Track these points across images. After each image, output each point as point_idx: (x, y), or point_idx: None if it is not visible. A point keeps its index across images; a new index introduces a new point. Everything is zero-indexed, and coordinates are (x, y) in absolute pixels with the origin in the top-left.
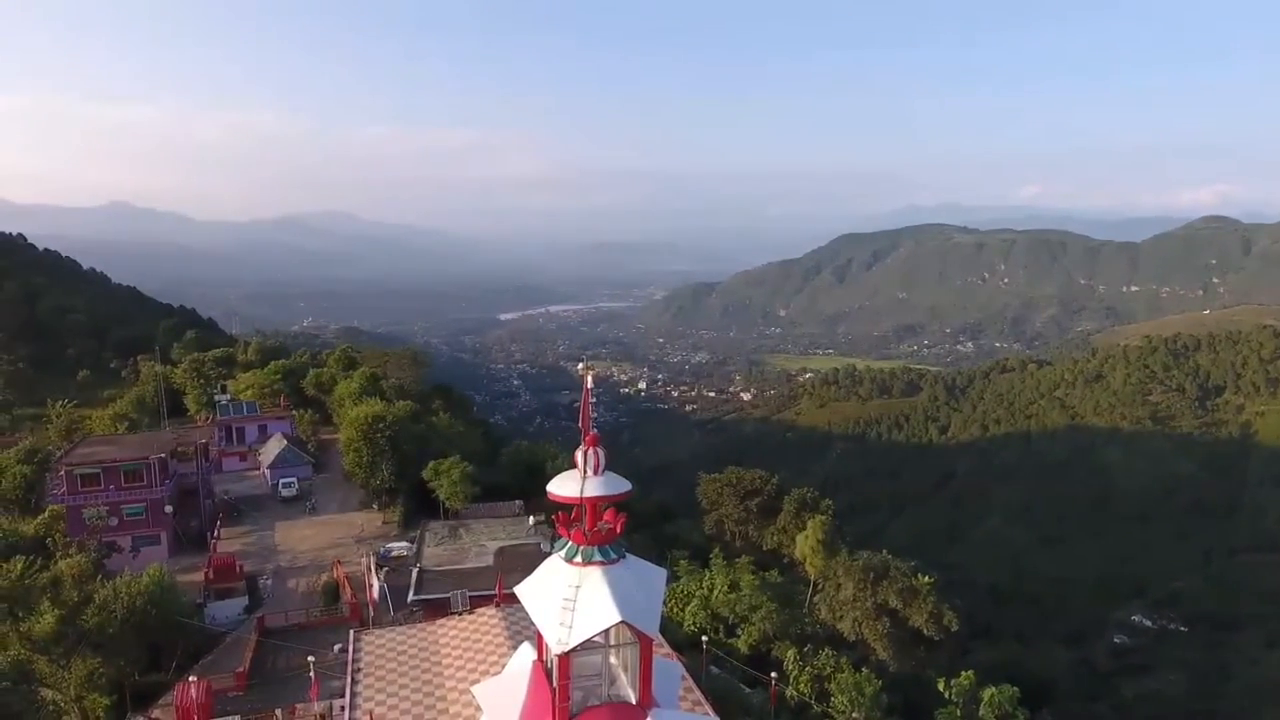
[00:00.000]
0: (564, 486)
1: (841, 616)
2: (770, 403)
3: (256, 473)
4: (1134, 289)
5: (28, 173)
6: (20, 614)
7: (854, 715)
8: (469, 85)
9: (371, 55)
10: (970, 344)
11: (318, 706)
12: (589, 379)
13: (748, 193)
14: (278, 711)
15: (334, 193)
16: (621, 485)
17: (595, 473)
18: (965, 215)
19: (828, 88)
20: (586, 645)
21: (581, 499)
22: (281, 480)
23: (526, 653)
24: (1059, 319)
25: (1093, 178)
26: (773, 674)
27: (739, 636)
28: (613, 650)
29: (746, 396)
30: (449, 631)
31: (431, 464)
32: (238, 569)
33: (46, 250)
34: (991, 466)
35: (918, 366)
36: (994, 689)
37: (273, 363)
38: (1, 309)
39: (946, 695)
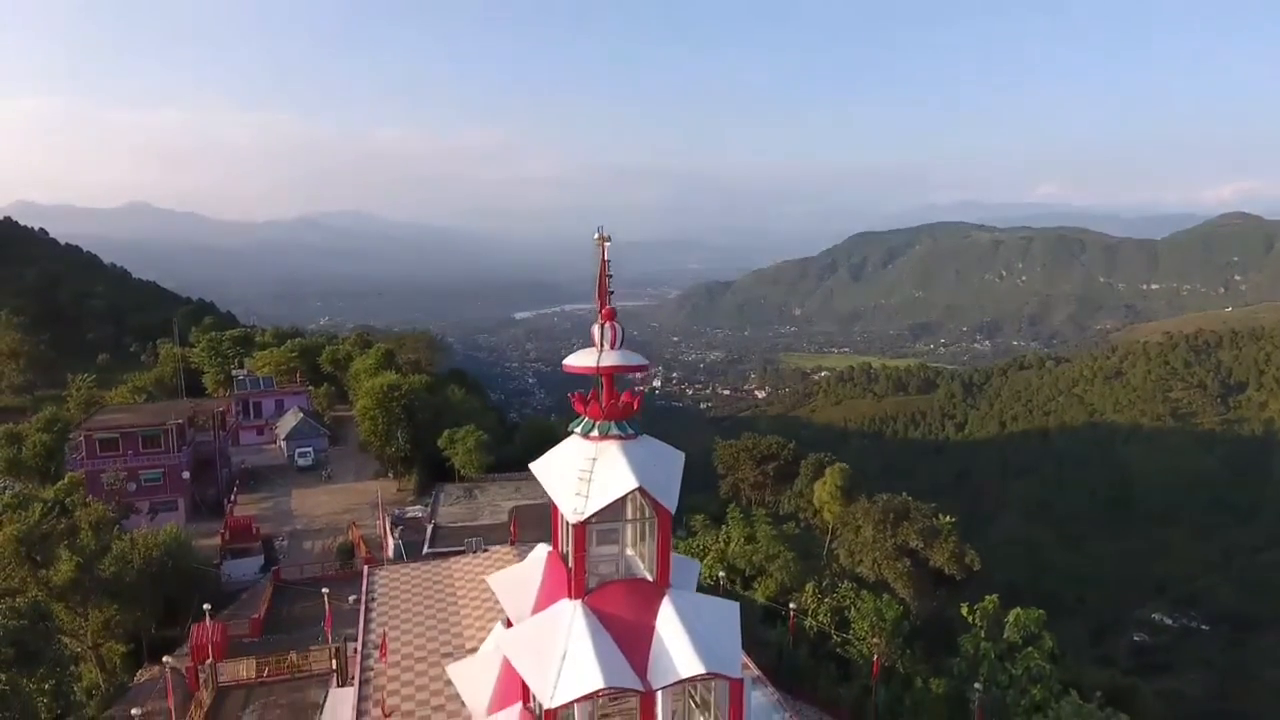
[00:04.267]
0: (581, 359)
1: (860, 560)
2: (785, 400)
3: (273, 446)
4: (1154, 287)
5: (49, 174)
6: (39, 558)
7: (874, 641)
8: (489, 87)
9: (391, 57)
10: (987, 342)
11: (331, 641)
12: (605, 249)
13: (763, 191)
14: (292, 653)
15: (351, 193)
16: (638, 358)
17: (612, 346)
18: (982, 213)
19: (843, 86)
20: (603, 530)
21: (599, 369)
22: (298, 450)
23: (541, 548)
24: (1077, 317)
25: (1112, 175)
26: (791, 605)
27: (755, 589)
28: (629, 526)
29: (761, 394)
30: (463, 567)
31: (446, 432)
32: (254, 530)
33: (68, 245)
34: (1009, 464)
35: (934, 365)
36: (1020, 610)
37: (289, 340)
38: (22, 295)
39: (970, 620)
